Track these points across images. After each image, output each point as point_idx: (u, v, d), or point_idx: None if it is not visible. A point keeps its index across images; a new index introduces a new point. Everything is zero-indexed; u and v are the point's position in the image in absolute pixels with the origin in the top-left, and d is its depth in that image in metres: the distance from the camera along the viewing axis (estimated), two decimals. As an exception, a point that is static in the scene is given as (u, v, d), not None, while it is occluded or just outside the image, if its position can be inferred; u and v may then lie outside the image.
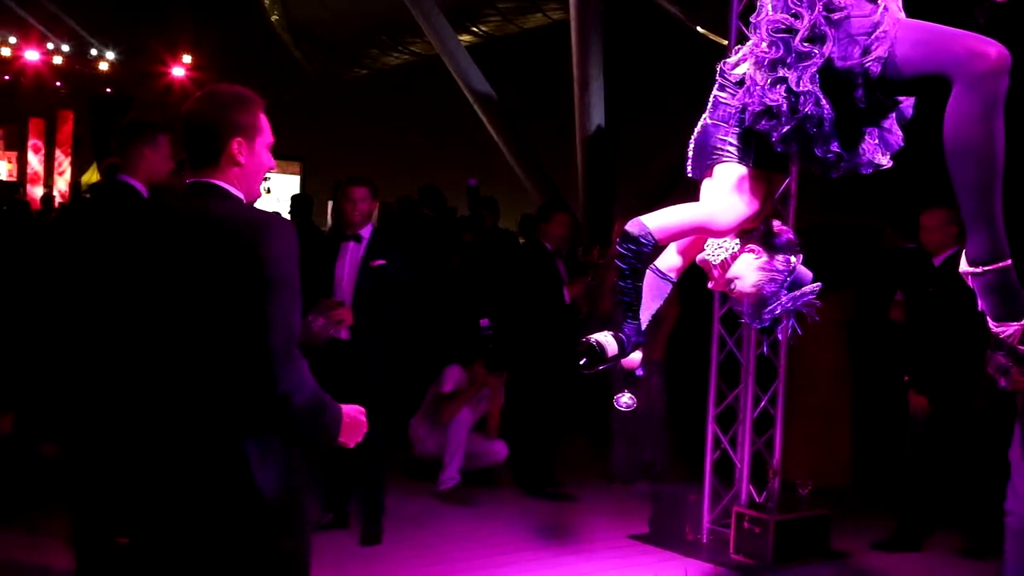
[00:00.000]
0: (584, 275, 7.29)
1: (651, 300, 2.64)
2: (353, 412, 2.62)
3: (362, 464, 5.44)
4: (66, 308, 4.29)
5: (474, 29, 15.97)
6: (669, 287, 2.68)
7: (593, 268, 7.58)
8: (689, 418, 6.70)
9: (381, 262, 5.38)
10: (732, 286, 2.60)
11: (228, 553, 2.44)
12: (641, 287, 2.53)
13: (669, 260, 2.70)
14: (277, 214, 2.67)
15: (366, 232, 5.43)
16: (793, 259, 2.57)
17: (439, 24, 13.15)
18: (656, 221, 2.46)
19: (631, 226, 2.44)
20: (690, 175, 2.66)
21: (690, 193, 2.64)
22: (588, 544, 5.59)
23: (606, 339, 2.51)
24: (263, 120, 2.62)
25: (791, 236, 2.61)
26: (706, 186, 2.59)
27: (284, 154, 19.61)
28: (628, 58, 12.66)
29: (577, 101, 11.70)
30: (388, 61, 18.55)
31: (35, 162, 22.55)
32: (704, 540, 5.63)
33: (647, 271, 2.66)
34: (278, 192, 17.47)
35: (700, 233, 2.57)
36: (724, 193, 2.52)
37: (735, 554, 5.40)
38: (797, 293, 2.54)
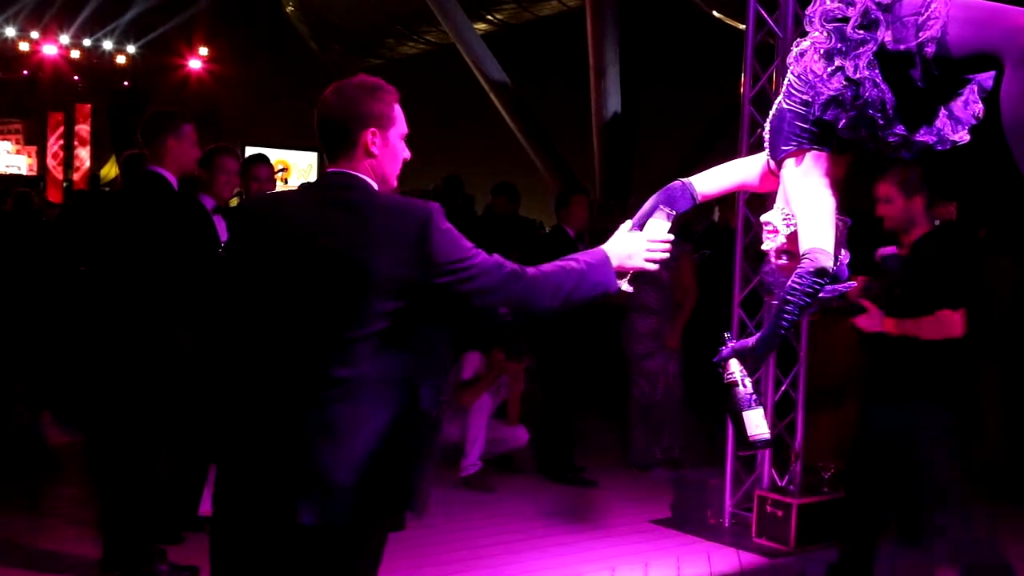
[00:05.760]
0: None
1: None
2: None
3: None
4: (106, 295, 4.42)
5: (489, 17, 15.95)
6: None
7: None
8: (709, 403, 6.69)
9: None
10: (782, 258, 2.61)
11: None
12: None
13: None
14: (426, 203, 2.52)
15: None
16: (842, 253, 2.57)
17: (454, 13, 13.15)
18: (825, 236, 2.45)
19: (825, 260, 2.42)
20: (769, 158, 2.65)
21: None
22: (611, 528, 5.61)
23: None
24: (397, 110, 2.57)
25: (846, 232, 2.59)
26: (790, 172, 2.56)
27: (300, 145, 19.69)
28: (644, 44, 12.62)
29: (593, 88, 11.69)
30: (404, 51, 18.56)
31: (54, 156, 22.70)
32: (726, 524, 5.64)
33: None
34: (296, 184, 17.52)
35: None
36: (815, 179, 2.51)
37: (757, 538, 5.40)
38: (832, 287, 2.52)
